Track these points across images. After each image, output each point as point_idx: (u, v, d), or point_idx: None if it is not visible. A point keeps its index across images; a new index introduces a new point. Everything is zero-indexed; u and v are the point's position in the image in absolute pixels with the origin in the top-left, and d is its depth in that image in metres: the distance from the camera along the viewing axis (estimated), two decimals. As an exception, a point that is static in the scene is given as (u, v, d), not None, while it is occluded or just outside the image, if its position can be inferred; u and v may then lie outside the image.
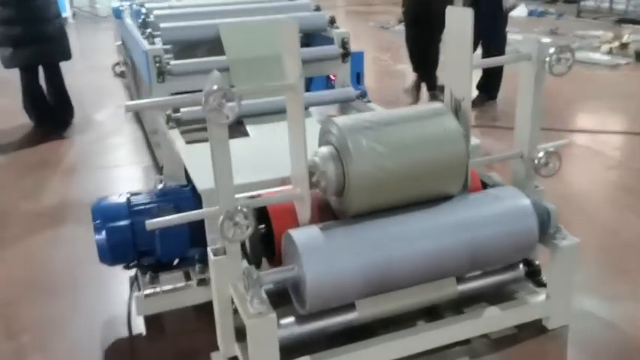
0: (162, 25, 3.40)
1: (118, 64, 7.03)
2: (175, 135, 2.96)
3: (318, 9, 3.86)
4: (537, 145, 2.35)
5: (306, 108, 3.27)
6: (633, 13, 9.66)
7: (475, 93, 5.52)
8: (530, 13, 11.18)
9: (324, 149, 2.05)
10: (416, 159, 2.02)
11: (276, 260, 2.13)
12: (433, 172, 2.06)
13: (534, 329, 2.35)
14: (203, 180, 2.21)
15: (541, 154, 2.32)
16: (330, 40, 3.62)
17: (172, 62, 3.24)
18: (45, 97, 5.25)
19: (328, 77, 4.02)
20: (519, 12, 11.63)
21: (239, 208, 1.86)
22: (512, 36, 9.03)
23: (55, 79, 5.26)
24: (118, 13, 5.04)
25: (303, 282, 1.88)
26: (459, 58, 2.16)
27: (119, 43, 6.27)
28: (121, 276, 2.59)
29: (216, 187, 1.93)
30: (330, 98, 3.43)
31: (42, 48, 4.93)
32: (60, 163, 4.54)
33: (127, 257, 2.32)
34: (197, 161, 2.42)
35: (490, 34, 5.17)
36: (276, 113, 3.18)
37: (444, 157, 2.06)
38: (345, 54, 3.53)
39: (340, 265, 1.90)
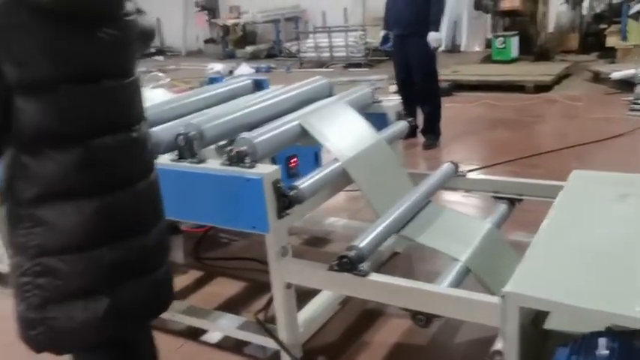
0: (250, 136, 2.57)
1: None
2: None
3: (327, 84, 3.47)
4: None
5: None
6: (353, 58, 11.18)
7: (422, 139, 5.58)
8: (258, 70, 11.77)
9: None
10: None
11: None
12: None
13: None
14: None
15: None
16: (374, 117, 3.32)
17: (302, 184, 2.51)
18: None
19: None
20: (245, 70, 12.14)
21: None
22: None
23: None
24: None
25: None
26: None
27: None
28: None
29: None
30: (437, 182, 3.00)
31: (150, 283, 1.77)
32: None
33: None
34: None
35: (424, 73, 5.54)
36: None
37: None
38: (413, 129, 3.29)
39: None
